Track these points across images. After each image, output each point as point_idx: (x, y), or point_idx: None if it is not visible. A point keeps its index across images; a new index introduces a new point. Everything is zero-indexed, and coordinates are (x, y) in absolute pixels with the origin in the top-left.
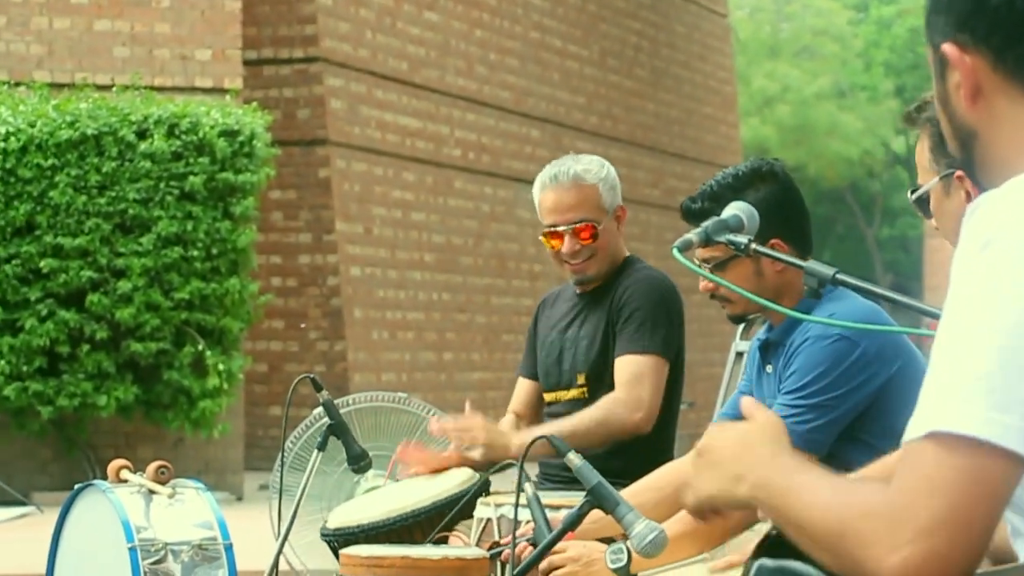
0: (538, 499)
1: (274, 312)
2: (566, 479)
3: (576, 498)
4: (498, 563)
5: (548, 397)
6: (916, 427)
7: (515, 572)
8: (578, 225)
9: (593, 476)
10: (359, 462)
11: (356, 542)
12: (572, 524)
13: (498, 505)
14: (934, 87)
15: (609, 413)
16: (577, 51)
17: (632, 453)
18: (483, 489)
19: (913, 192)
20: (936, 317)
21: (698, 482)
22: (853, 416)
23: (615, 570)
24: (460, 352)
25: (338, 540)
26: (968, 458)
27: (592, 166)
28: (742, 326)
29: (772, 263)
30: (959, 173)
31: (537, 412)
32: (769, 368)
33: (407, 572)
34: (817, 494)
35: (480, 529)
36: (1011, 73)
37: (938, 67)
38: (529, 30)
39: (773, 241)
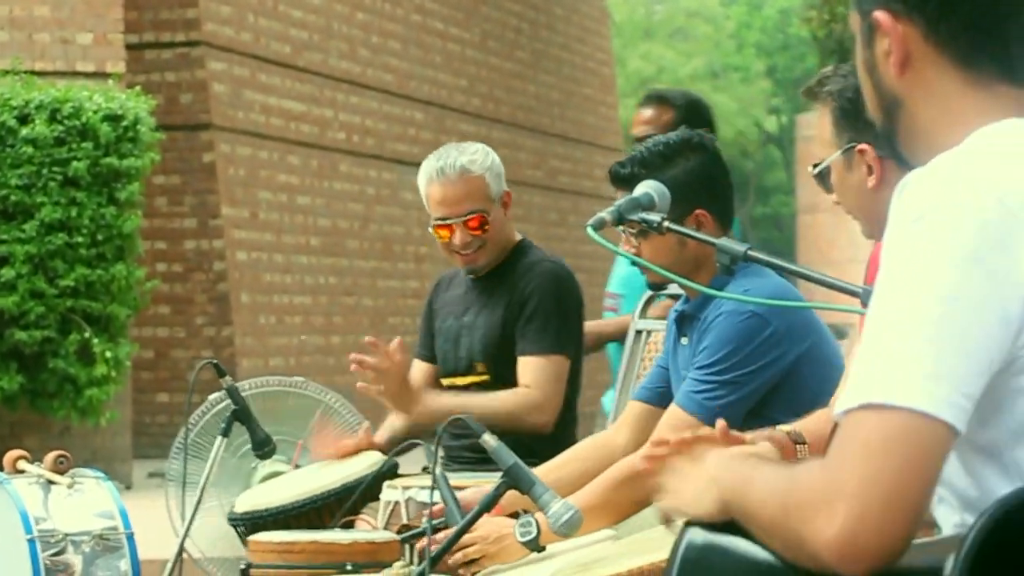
0: (447, 481)
1: (160, 298)
2: (472, 460)
3: (483, 479)
4: (407, 546)
5: (445, 382)
6: (850, 398)
7: (432, 555)
8: (468, 217)
9: (509, 457)
10: (263, 448)
11: (264, 526)
12: (488, 505)
13: (405, 488)
14: (859, 54)
15: (521, 410)
16: (458, 34)
17: (535, 437)
18: (390, 471)
19: (815, 166)
20: (849, 292)
21: (682, 491)
22: (763, 393)
23: (525, 543)
24: (347, 335)
25: (246, 524)
26: (901, 428)
27: (477, 156)
28: (640, 305)
29: None
30: (861, 147)
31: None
32: (684, 340)
33: (317, 557)
34: (767, 481)
35: (388, 512)
36: (943, 44)
37: (866, 34)
38: (411, 13)
39: (698, 212)
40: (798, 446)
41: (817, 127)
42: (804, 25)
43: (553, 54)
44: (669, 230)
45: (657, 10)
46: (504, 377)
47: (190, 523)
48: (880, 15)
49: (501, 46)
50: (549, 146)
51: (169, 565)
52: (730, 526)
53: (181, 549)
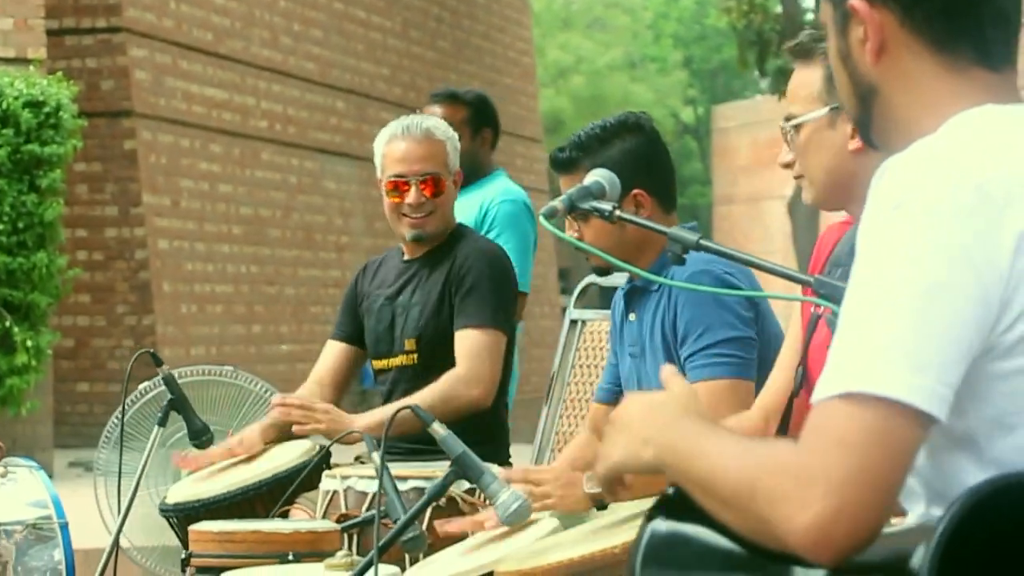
0: (388, 470)
1: (80, 286)
2: (406, 451)
3: (421, 468)
4: (346, 536)
5: (378, 364)
6: (828, 386)
7: (379, 545)
8: (425, 178)
9: (458, 446)
10: (200, 437)
11: (198, 517)
12: (437, 494)
13: (344, 477)
14: (832, 43)
15: (450, 390)
16: (380, 22)
17: (465, 421)
18: (324, 461)
19: (789, 119)
20: (800, 282)
21: (607, 449)
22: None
23: (593, 494)
24: (269, 325)
25: (178, 515)
26: (882, 418)
27: (440, 125)
28: (576, 294)
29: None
30: None
31: (344, 377)
32: (632, 316)
33: (258, 547)
34: (725, 454)
35: (326, 502)
36: (919, 29)
37: (839, 22)
38: (333, 1)
39: (636, 192)
40: None
41: (798, 84)
42: (723, 15)
43: (474, 43)
44: (620, 219)
45: (575, 0)
46: (431, 358)
47: (126, 513)
48: (856, 2)
49: (423, 35)
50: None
51: (105, 555)
52: (695, 515)
53: (117, 539)
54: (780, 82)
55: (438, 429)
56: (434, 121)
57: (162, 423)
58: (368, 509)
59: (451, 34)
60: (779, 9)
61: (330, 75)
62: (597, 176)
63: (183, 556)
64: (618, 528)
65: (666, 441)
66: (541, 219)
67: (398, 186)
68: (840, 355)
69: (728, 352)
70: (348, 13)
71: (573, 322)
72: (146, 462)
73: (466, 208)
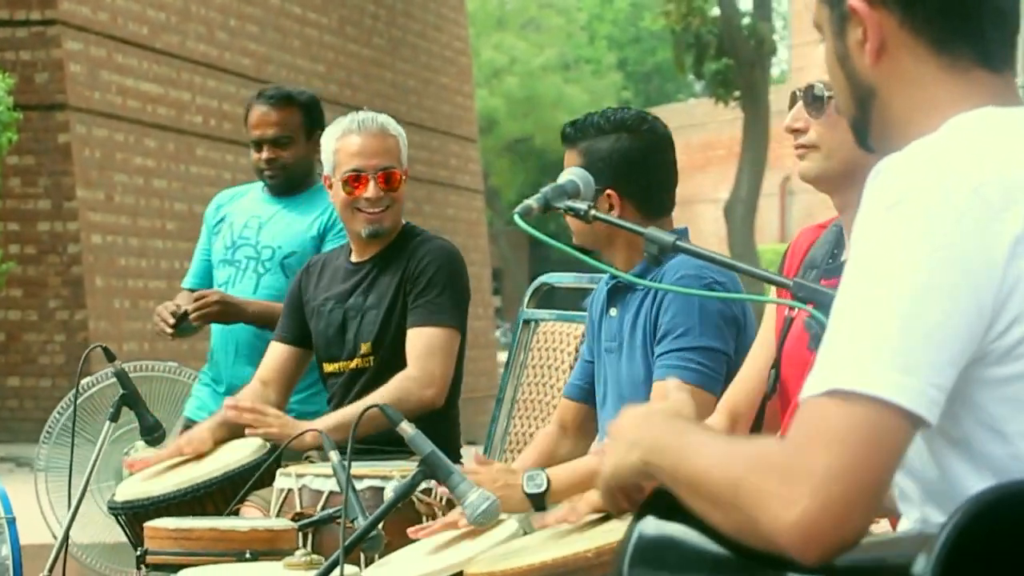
0: (348, 470)
1: (12, 280)
2: (361, 450)
3: (377, 467)
4: (300, 535)
5: (330, 368)
6: (817, 383)
7: (347, 543)
8: (383, 171)
9: (426, 445)
10: (152, 433)
11: (147, 515)
12: (404, 494)
13: (299, 475)
14: (829, 45)
15: (402, 392)
16: (317, 19)
17: (417, 422)
18: (277, 459)
19: (819, 87)
20: (779, 284)
21: (604, 461)
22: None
23: (531, 495)
24: None
25: (127, 513)
26: (869, 416)
27: (391, 121)
28: (529, 294)
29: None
30: None
31: (289, 379)
32: (613, 311)
33: (216, 544)
34: (710, 452)
35: (281, 500)
36: (919, 29)
37: (837, 24)
38: None
39: (609, 192)
40: None
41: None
42: (661, 18)
43: (410, 41)
44: (595, 218)
45: (509, 0)
46: (389, 360)
47: (76, 508)
48: (856, 3)
49: (359, 32)
50: (405, 134)
51: (55, 550)
52: (682, 517)
53: (67, 534)
54: (716, 85)
55: (406, 428)
56: (384, 117)
57: (114, 418)
58: (323, 508)
59: (387, 32)
60: (716, 12)
61: (266, 71)
62: (572, 175)
63: (138, 553)
64: (590, 533)
65: (652, 442)
66: (516, 218)
67: (352, 180)
68: (830, 353)
69: (699, 360)
70: (284, 9)
71: (526, 322)
72: (97, 457)
73: (306, 213)
